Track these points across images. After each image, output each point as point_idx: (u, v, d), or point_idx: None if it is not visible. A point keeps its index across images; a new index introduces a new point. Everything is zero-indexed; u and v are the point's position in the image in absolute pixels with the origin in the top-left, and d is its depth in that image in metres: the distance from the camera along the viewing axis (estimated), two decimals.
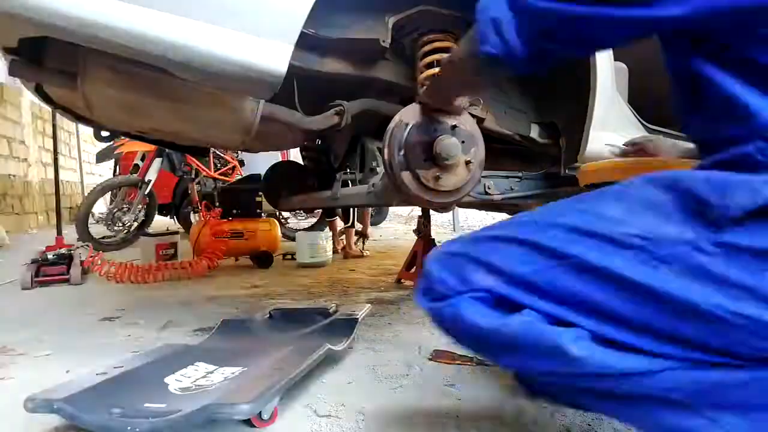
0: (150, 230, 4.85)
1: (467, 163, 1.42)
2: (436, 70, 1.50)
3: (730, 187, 0.70)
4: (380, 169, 1.88)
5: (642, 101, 1.90)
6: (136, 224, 4.87)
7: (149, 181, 4.64)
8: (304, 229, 4.73)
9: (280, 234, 3.92)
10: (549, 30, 0.81)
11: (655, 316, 0.71)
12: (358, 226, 4.48)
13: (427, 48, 1.60)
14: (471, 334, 0.80)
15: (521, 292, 0.78)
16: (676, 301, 0.69)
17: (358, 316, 1.75)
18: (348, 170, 2.14)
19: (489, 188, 1.76)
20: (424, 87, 1.30)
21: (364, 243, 4.43)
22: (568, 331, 0.74)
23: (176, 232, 4.03)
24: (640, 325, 0.72)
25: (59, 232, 3.67)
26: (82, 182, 10.41)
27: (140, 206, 4.82)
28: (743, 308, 0.67)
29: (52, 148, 4.29)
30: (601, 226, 0.76)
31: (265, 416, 1.12)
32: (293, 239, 4.40)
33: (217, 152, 5.39)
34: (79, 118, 1.80)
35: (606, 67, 1.73)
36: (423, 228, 2.95)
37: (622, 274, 0.72)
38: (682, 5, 0.72)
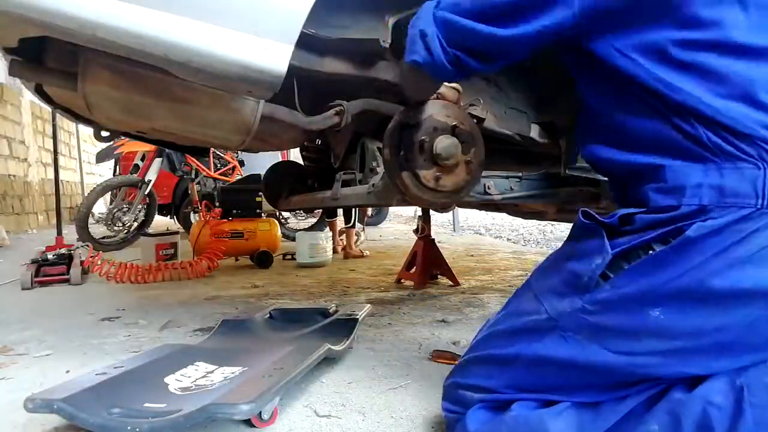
0: (150, 230, 4.85)
1: (467, 163, 1.42)
2: None
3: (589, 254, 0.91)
4: (380, 169, 1.87)
5: None
6: (136, 224, 4.87)
7: (149, 181, 4.64)
8: (304, 229, 4.73)
9: (280, 234, 3.92)
10: (466, 45, 0.98)
11: (562, 378, 0.91)
12: (359, 227, 4.50)
13: None
14: None
15: (502, 394, 0.97)
16: (582, 365, 0.88)
17: (358, 316, 1.75)
18: (348, 170, 2.14)
19: (489, 188, 1.76)
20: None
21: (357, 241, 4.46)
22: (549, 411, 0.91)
23: (176, 232, 4.03)
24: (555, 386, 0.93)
25: (59, 232, 3.67)
26: (82, 182, 10.41)
27: (140, 206, 4.82)
28: (628, 347, 0.85)
29: (52, 148, 4.29)
30: (523, 321, 0.97)
31: (265, 416, 1.12)
32: (293, 239, 4.40)
33: (217, 152, 5.39)
34: (79, 118, 1.79)
35: None
36: (423, 228, 2.95)
37: (550, 355, 0.91)
38: (566, 7, 0.88)
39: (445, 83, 1.36)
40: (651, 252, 0.85)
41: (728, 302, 0.79)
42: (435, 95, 1.35)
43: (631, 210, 0.90)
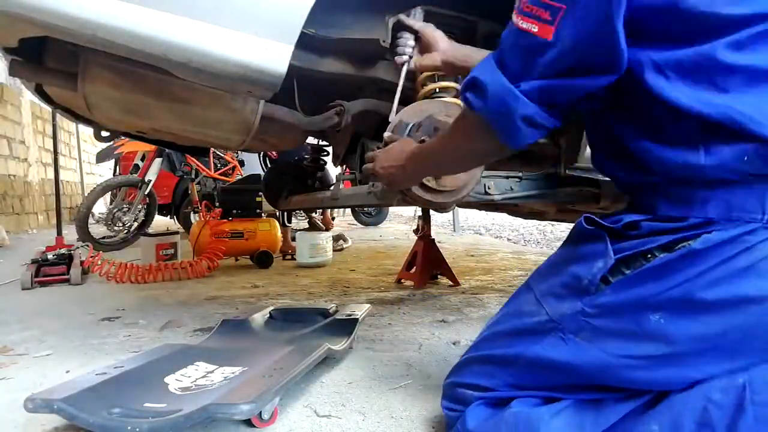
0: (150, 230, 4.84)
1: None
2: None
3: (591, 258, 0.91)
4: None
5: None
6: (136, 224, 4.86)
7: (149, 181, 4.64)
8: (304, 229, 4.73)
9: (280, 234, 3.92)
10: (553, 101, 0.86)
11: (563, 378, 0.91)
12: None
13: None
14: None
15: (501, 392, 0.98)
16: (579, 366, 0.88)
17: (358, 316, 1.75)
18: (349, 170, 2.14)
19: (489, 188, 1.76)
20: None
21: (337, 241, 4.53)
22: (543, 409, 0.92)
23: (176, 232, 4.02)
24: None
25: (59, 232, 3.67)
26: (82, 182, 10.40)
27: (140, 206, 4.82)
28: (627, 350, 0.84)
29: (52, 148, 4.29)
30: (524, 322, 0.97)
31: (265, 416, 1.12)
32: (293, 239, 4.41)
33: (217, 152, 5.39)
34: (79, 118, 1.79)
35: None
36: (423, 228, 2.95)
37: (549, 357, 0.91)
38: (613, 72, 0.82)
39: (447, 83, 1.38)
40: (654, 259, 0.85)
41: (730, 309, 0.80)
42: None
43: (638, 216, 0.90)
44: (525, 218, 2.77)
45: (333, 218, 4.92)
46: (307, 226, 5.13)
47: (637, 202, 0.96)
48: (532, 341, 0.94)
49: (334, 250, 4.30)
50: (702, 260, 0.81)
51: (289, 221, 4.86)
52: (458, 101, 1.38)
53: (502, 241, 5.48)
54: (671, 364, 0.83)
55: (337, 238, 4.54)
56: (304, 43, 1.36)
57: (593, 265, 0.90)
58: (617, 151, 0.95)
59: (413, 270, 2.91)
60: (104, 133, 1.90)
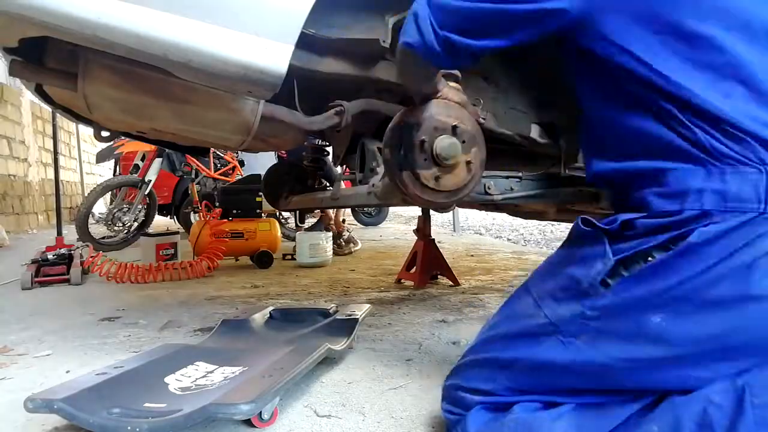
0: (150, 230, 4.84)
1: (468, 163, 1.42)
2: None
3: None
4: (380, 169, 1.87)
5: None
6: (136, 224, 4.86)
7: (149, 181, 4.64)
8: (305, 229, 4.73)
9: (280, 234, 3.92)
10: (460, 26, 0.95)
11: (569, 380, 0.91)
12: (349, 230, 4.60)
13: None
14: None
15: (503, 397, 0.96)
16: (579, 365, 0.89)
17: (358, 316, 1.75)
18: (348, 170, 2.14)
19: (489, 188, 1.76)
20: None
21: (347, 243, 4.49)
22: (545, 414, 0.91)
23: (176, 232, 4.02)
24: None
25: (59, 232, 3.67)
26: (82, 182, 10.41)
27: (140, 206, 4.82)
28: (628, 352, 0.84)
29: (52, 148, 4.29)
30: (522, 325, 0.97)
31: (265, 416, 1.12)
32: (293, 239, 4.41)
33: (217, 152, 5.39)
34: (79, 118, 1.79)
35: None
36: (423, 228, 2.95)
37: (548, 359, 0.91)
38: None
39: (449, 83, 1.36)
40: (652, 259, 0.85)
41: (732, 308, 0.79)
42: (437, 94, 1.33)
43: (632, 215, 0.90)
44: (525, 218, 2.76)
45: (343, 220, 4.84)
46: (308, 226, 5.14)
47: (631, 201, 0.96)
48: (531, 344, 0.94)
49: (343, 254, 4.29)
50: (701, 257, 0.81)
51: (302, 221, 4.92)
52: (459, 99, 1.37)
53: (502, 241, 5.48)
54: (673, 365, 0.83)
55: (347, 241, 4.51)
56: (304, 43, 1.36)
57: (592, 268, 0.89)
58: (605, 138, 0.98)
59: (413, 270, 2.91)
60: (104, 133, 1.89)
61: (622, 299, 0.86)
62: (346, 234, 4.56)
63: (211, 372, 1.34)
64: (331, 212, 4.65)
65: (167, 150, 4.68)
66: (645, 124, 0.91)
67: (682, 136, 0.86)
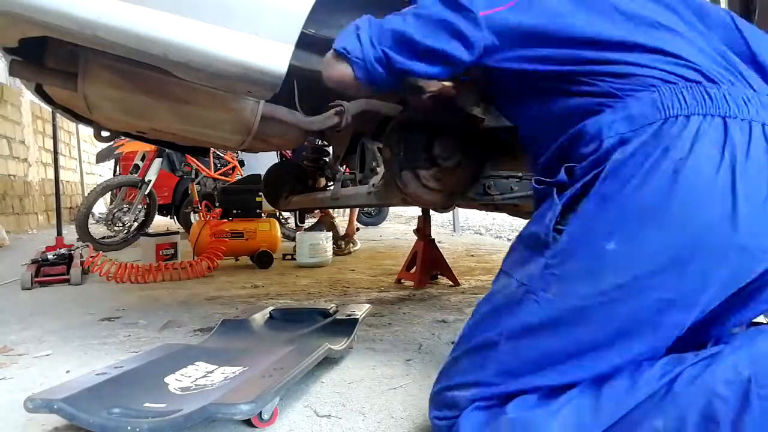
0: (150, 230, 4.85)
1: (467, 163, 1.42)
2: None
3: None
4: (380, 169, 1.88)
5: None
6: (136, 224, 4.86)
7: (149, 181, 4.64)
8: (305, 229, 4.73)
9: (280, 234, 3.92)
10: (393, 47, 1.04)
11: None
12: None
13: None
14: None
15: (496, 385, 0.93)
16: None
17: (358, 316, 1.75)
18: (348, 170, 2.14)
19: (489, 188, 1.76)
20: None
21: (347, 244, 4.49)
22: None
23: (176, 232, 4.02)
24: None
25: (59, 232, 3.67)
26: (82, 182, 10.41)
27: (140, 206, 4.82)
28: (595, 287, 0.86)
29: (52, 148, 4.29)
30: (498, 299, 0.98)
31: (265, 416, 1.12)
32: (293, 239, 4.41)
33: (217, 152, 5.39)
34: (79, 118, 1.79)
35: None
36: (423, 228, 2.95)
37: (527, 323, 0.91)
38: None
39: (444, 83, 1.36)
40: (590, 191, 0.90)
41: (673, 212, 0.83)
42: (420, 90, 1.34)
43: (572, 164, 0.97)
44: (525, 218, 2.77)
45: (358, 229, 4.90)
46: (308, 226, 5.14)
47: (570, 156, 1.01)
48: (508, 316, 0.94)
49: (342, 254, 4.29)
50: (628, 173, 0.86)
51: (302, 221, 4.97)
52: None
53: (502, 241, 5.48)
54: (640, 288, 0.84)
55: (347, 241, 4.51)
56: (304, 43, 1.36)
57: (545, 218, 0.93)
58: (542, 140, 1.08)
59: (413, 270, 2.91)
60: (104, 133, 1.90)
61: (574, 238, 0.89)
62: (342, 231, 4.59)
63: (211, 372, 1.34)
64: (342, 217, 4.66)
65: (167, 150, 4.68)
66: (563, 104, 1.01)
67: (590, 93, 0.96)
